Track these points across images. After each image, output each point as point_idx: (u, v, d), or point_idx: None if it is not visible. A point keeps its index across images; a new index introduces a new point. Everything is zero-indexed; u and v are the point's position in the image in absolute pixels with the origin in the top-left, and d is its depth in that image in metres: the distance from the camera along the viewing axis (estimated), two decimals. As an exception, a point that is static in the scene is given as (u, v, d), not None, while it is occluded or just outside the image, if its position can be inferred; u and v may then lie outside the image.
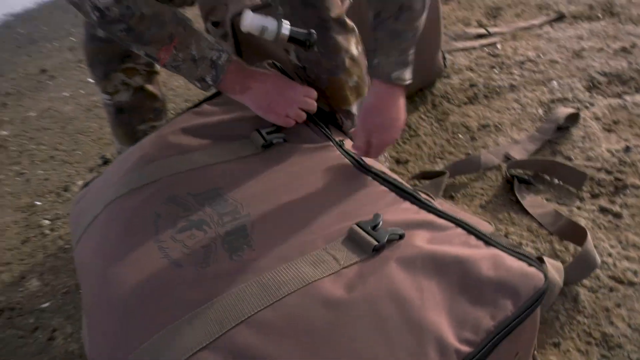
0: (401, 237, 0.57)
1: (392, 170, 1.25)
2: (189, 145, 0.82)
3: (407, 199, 0.66)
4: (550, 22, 1.88)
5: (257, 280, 0.53)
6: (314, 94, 0.85)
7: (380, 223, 0.59)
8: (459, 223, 0.59)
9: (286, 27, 0.70)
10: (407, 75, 0.77)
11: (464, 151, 1.28)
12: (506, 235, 1.00)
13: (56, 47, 3.37)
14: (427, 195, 0.95)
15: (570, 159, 1.16)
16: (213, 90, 0.88)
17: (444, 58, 1.61)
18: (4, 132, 2.12)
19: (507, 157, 1.19)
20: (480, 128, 1.35)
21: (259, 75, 0.83)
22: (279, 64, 0.94)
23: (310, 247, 0.58)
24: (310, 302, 0.51)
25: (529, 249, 0.94)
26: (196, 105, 0.94)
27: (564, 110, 1.26)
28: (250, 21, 0.68)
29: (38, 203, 1.53)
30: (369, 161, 0.78)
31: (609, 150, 1.15)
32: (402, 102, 0.80)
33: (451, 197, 1.14)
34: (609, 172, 1.09)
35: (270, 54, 1.08)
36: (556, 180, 1.10)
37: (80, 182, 1.60)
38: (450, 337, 0.46)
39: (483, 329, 0.47)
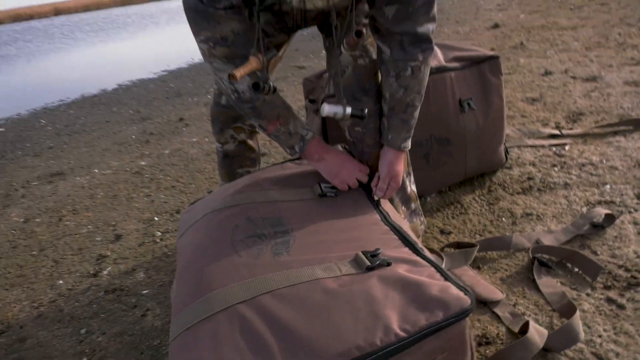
0: (388, 264, 0.80)
1: (435, 238, 1.46)
2: (268, 186, 1.13)
3: (407, 246, 0.89)
4: (625, 132, 1.98)
5: (285, 272, 0.80)
6: (368, 170, 1.14)
7: (379, 254, 0.83)
8: (434, 265, 0.81)
9: (349, 109, 1.01)
10: (409, 144, 1.14)
11: (502, 232, 1.45)
12: (514, 305, 1.15)
13: (195, 102, 4.08)
14: (437, 254, 1.16)
15: (596, 254, 1.28)
16: (297, 155, 1.20)
17: (507, 152, 1.81)
18: (142, 163, 2.67)
19: (537, 242, 1.34)
20: (524, 215, 1.51)
21: (332, 151, 1.14)
22: (347, 147, 1.24)
23: (327, 261, 0.83)
24: (314, 288, 0.76)
25: (530, 319, 1.08)
26: (282, 162, 1.27)
27: (600, 210, 1.39)
28: (327, 110, 1.01)
29: (156, 219, 1.95)
30: (395, 217, 1.03)
31: (635, 252, 1.26)
32: (403, 160, 1.17)
33: (478, 268, 1.31)
34: (627, 270, 1.20)
35: (340, 128, 1.39)
36: (576, 269, 1.23)
37: (189, 208, 2.01)
38: (395, 325, 0.68)
39: (418, 325, 0.68)
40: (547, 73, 2.98)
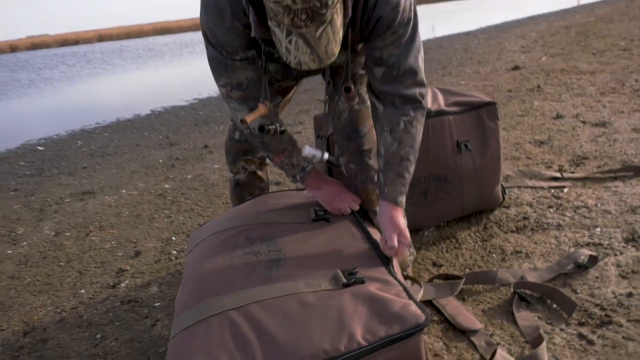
0: (362, 282, 0.92)
1: (427, 269, 1.56)
2: (269, 210, 1.27)
3: (384, 266, 1.00)
4: (624, 177, 2.05)
5: (272, 285, 0.93)
6: (359, 200, 1.27)
7: (356, 272, 0.95)
8: (402, 285, 0.92)
9: (326, 155, 1.15)
10: (404, 201, 1.14)
11: (491, 268, 1.53)
12: (491, 335, 1.23)
13: (220, 130, 4.30)
14: (417, 282, 1.26)
15: (575, 292, 1.35)
16: (299, 184, 1.34)
17: (504, 192, 1.90)
18: (166, 186, 2.85)
19: (522, 279, 1.42)
20: (513, 253, 1.59)
21: (328, 182, 1.27)
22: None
23: (311, 277, 0.96)
24: (295, 301, 0.88)
25: (503, 349, 1.17)
26: (284, 190, 1.41)
27: (585, 251, 1.46)
28: (307, 151, 1.15)
29: (173, 238, 2.10)
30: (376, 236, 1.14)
31: (613, 292, 1.32)
32: (403, 219, 1.14)
33: (463, 299, 1.39)
34: (603, 309, 1.26)
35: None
36: (554, 305, 1.30)
37: (204, 230, 2.15)
38: (358, 335, 0.79)
39: (377, 335, 0.79)
40: (559, 117, 3.06)
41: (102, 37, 38.99)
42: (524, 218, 1.81)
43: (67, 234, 2.32)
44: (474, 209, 1.83)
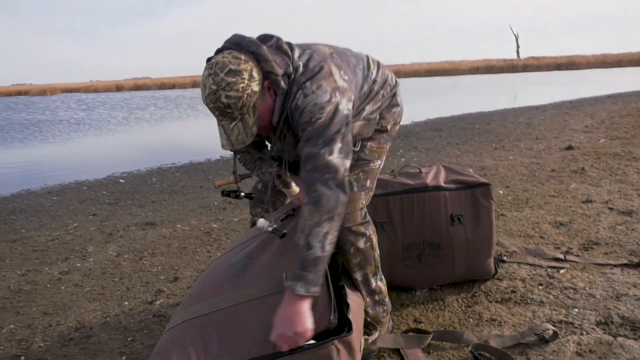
0: None
1: (407, 323, 1.77)
2: (257, 231, 1.58)
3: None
4: (623, 266, 2.13)
5: (237, 293, 1.23)
6: None
7: None
8: (329, 294, 1.19)
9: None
10: (298, 287, 1.12)
11: (464, 330, 1.71)
12: (439, 384, 1.42)
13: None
14: (374, 326, 1.48)
15: (529, 360, 1.51)
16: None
17: (497, 265, 2.07)
18: (214, 225, 3.26)
19: (485, 342, 1.59)
20: (489, 320, 1.76)
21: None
22: None
23: (263, 282, 1.24)
24: (248, 307, 1.19)
25: (444, 396, 1.36)
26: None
27: (548, 326, 1.61)
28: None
29: (207, 270, 2.46)
30: (352, 297, 1.40)
31: (562, 366, 1.47)
32: (297, 308, 1.11)
33: (428, 352, 1.59)
34: (546, 378, 1.42)
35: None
36: (504, 369, 1.47)
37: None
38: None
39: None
40: (588, 201, 3.14)
41: (196, 83, 42.49)
42: (512, 291, 1.97)
43: (125, 256, 2.76)
44: (465, 278, 2.02)
